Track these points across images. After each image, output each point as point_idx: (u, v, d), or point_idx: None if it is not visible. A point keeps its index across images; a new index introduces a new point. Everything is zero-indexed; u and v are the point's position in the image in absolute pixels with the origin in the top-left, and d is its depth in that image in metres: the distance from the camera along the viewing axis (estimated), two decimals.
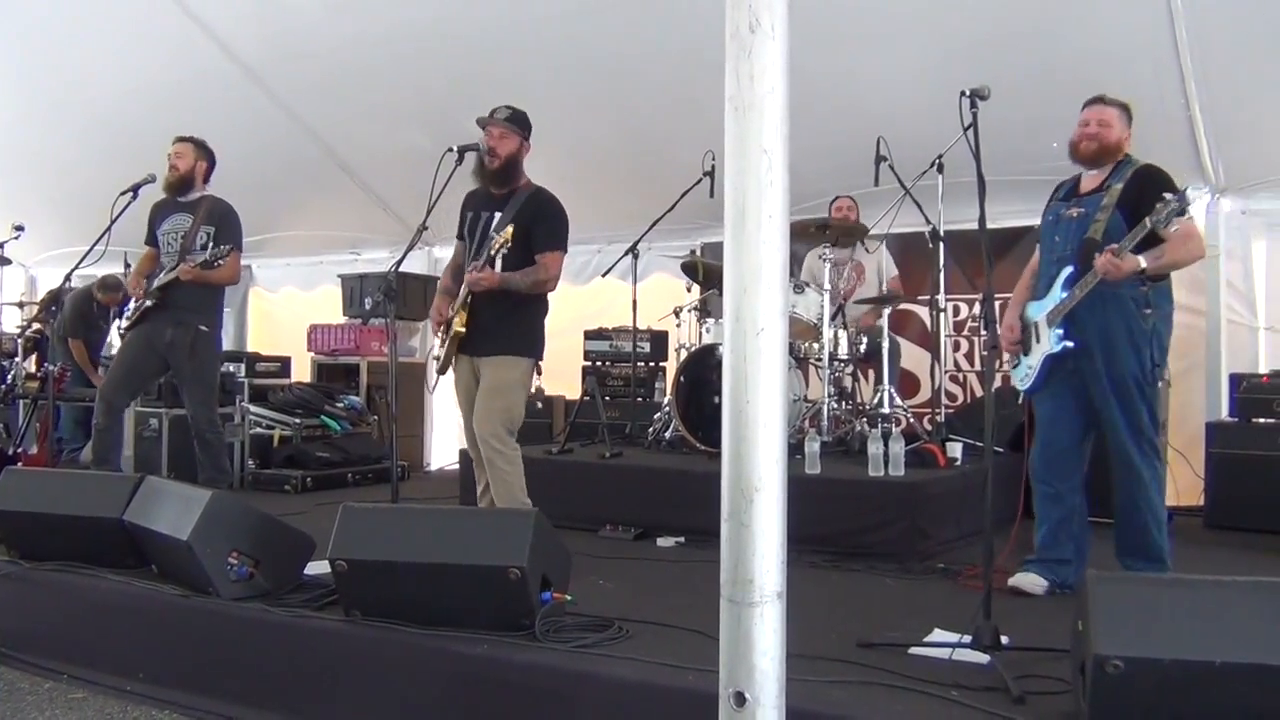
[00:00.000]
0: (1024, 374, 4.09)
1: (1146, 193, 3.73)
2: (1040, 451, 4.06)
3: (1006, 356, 4.21)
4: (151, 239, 5.66)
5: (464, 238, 4.57)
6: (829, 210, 6.43)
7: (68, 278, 6.22)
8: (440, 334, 4.51)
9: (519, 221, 4.31)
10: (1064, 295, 3.84)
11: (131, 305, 5.66)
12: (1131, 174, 3.86)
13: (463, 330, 4.31)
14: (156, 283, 5.44)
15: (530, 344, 4.46)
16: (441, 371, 4.52)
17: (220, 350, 5.94)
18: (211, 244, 5.42)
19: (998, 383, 4.48)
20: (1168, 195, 3.57)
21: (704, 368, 5.80)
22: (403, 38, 6.66)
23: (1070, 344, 3.81)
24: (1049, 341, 3.88)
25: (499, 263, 4.28)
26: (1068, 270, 3.85)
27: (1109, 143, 3.92)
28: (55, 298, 7.43)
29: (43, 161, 8.88)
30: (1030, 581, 3.92)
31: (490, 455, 4.33)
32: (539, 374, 4.58)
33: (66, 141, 8.46)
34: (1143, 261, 3.68)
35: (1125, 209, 3.78)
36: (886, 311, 6.04)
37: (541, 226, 4.30)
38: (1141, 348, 3.83)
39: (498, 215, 4.38)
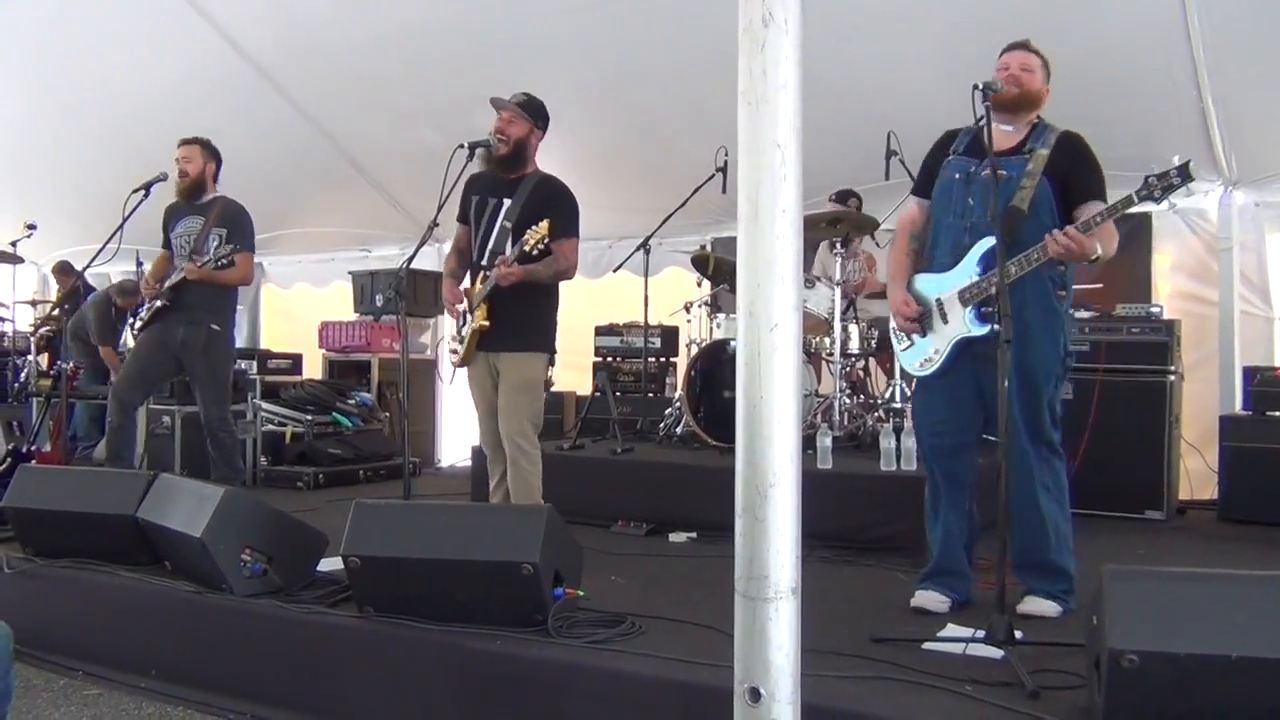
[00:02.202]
0: (922, 357, 3.62)
1: (1078, 164, 3.44)
2: (931, 450, 3.68)
3: (899, 338, 3.74)
4: (167, 242, 5.69)
5: (468, 221, 4.51)
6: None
7: (80, 274, 6.25)
8: (458, 325, 4.47)
9: (531, 207, 4.28)
10: (979, 270, 3.42)
11: (145, 306, 5.69)
12: (1056, 141, 3.47)
13: (486, 324, 4.27)
14: (167, 284, 5.48)
15: (548, 338, 4.46)
16: (462, 365, 4.48)
17: (233, 349, 5.96)
18: (224, 245, 5.45)
19: None
20: (1174, 167, 3.19)
21: (715, 363, 5.80)
22: (413, 35, 6.66)
23: (995, 327, 3.23)
24: (966, 323, 3.46)
25: (509, 250, 4.26)
26: (987, 242, 3.39)
27: (1031, 90, 3.50)
28: (67, 296, 7.46)
29: (54, 160, 8.91)
30: (935, 599, 3.57)
31: (515, 454, 4.31)
32: (552, 365, 4.57)
33: (78, 140, 8.49)
34: (1099, 248, 3.30)
35: (1053, 177, 3.42)
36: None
37: (556, 214, 4.23)
38: (1057, 334, 3.48)
39: (507, 201, 4.35)
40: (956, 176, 3.57)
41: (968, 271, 3.48)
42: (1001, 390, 3.13)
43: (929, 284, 3.63)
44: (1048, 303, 3.48)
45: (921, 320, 3.63)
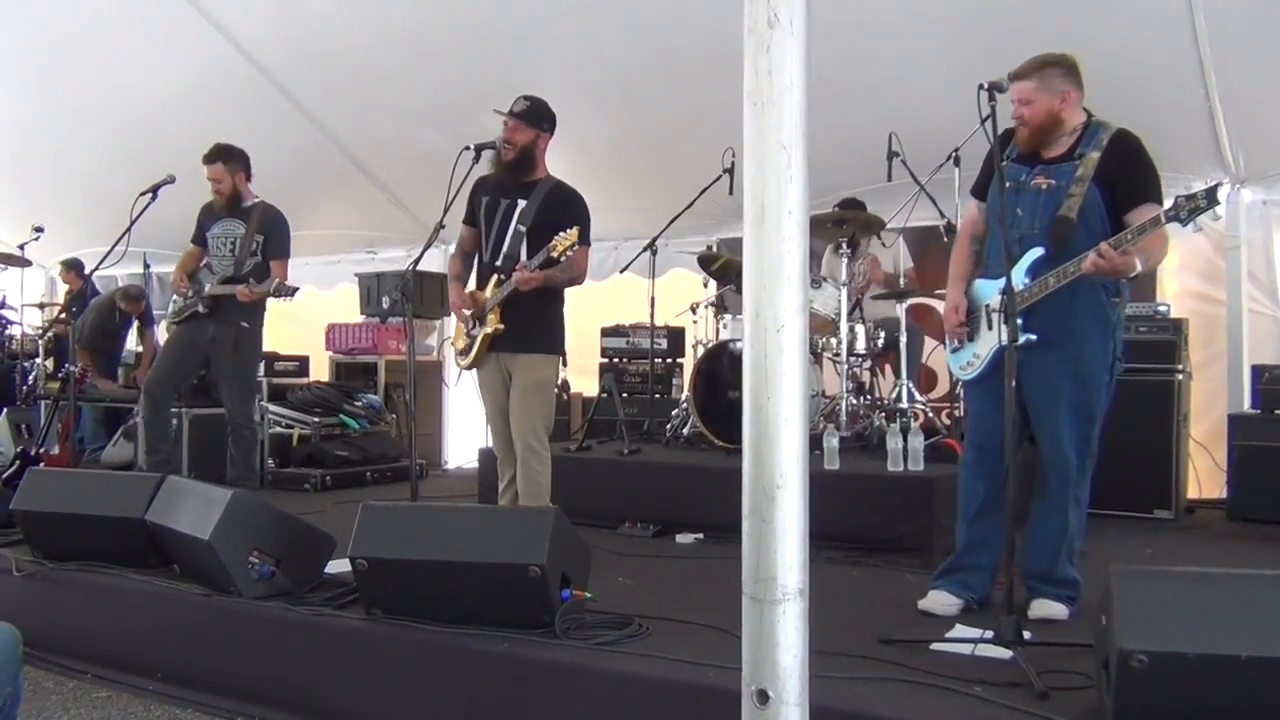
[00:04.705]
0: (966, 362, 3.65)
1: (1127, 167, 3.36)
2: (977, 451, 3.62)
3: (949, 340, 3.76)
4: (199, 239, 5.75)
5: (475, 223, 4.50)
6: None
7: (88, 278, 6.27)
8: (465, 327, 4.47)
9: (545, 213, 4.28)
10: (1028, 281, 3.38)
11: (173, 302, 5.77)
12: (1108, 142, 3.39)
13: (501, 327, 4.27)
14: (209, 290, 5.58)
15: (558, 340, 4.46)
16: (470, 368, 4.48)
17: (260, 347, 6.04)
18: (261, 251, 5.57)
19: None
20: (1197, 190, 3.14)
21: (721, 363, 5.80)
22: (418, 37, 6.67)
23: (1033, 337, 3.30)
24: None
25: (523, 255, 4.26)
26: (1036, 253, 3.39)
27: (1039, 122, 3.44)
28: (74, 299, 7.48)
29: (62, 163, 8.93)
30: (942, 602, 3.55)
31: (525, 455, 4.31)
32: (564, 365, 4.58)
33: (85, 143, 8.52)
34: (1139, 264, 3.24)
35: (1102, 182, 3.35)
36: (904, 305, 5.99)
37: (568, 221, 4.23)
38: (1108, 341, 3.45)
39: (520, 203, 4.34)
40: (1007, 184, 3.46)
41: (1017, 281, 3.38)
42: (1008, 393, 3.14)
43: (984, 289, 3.63)
44: (1100, 310, 3.43)
45: (971, 324, 3.64)
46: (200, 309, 5.59)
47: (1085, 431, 3.45)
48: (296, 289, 5.57)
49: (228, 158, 5.65)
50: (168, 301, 6.01)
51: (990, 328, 3.56)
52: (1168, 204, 3.23)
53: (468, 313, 4.42)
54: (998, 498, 3.50)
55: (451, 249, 8.61)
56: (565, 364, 4.60)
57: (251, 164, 5.81)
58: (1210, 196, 3.14)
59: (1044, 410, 3.46)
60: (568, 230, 4.13)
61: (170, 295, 5.92)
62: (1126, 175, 3.36)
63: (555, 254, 4.12)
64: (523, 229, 4.31)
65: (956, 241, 3.90)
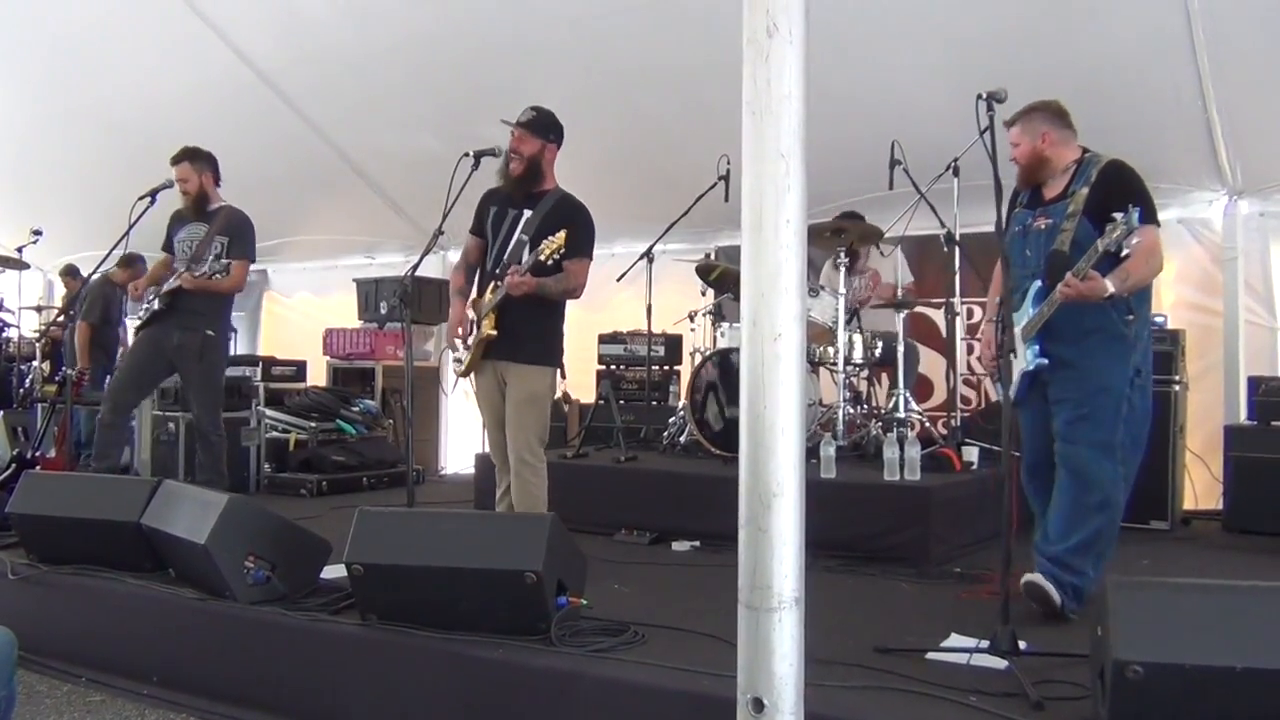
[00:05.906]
0: (1012, 388, 3.88)
1: (1112, 198, 3.50)
2: (1026, 465, 3.90)
3: (992, 369, 4.02)
4: (168, 245, 5.72)
5: (482, 234, 4.50)
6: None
7: (86, 280, 6.26)
8: (462, 342, 4.45)
9: (550, 222, 4.26)
10: (1034, 310, 3.66)
11: (144, 306, 5.72)
12: (1097, 176, 3.63)
13: (494, 333, 4.25)
14: (165, 287, 5.52)
15: (556, 352, 4.44)
16: (464, 374, 4.46)
17: (227, 354, 5.99)
18: (225, 253, 5.49)
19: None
20: (1117, 216, 3.35)
21: (719, 371, 5.80)
22: (416, 43, 6.68)
23: (1044, 361, 3.60)
24: (1025, 358, 3.68)
25: (528, 260, 4.26)
26: (1036, 285, 3.67)
27: (1028, 163, 3.77)
28: (72, 302, 7.47)
29: (61, 166, 8.94)
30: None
31: (519, 467, 4.29)
32: (563, 376, 4.57)
33: (85, 147, 8.52)
34: (1110, 285, 3.44)
35: (1092, 214, 3.56)
36: (901, 315, 6.00)
37: (572, 233, 4.21)
38: (1126, 355, 3.63)
39: (526, 213, 4.34)
40: (1017, 229, 3.81)
41: (1026, 311, 3.70)
42: (1004, 400, 3.22)
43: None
44: (1113, 328, 3.61)
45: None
46: (158, 305, 5.54)
47: (1106, 439, 3.59)
48: (229, 265, 5.43)
49: (194, 158, 5.63)
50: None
51: (1015, 356, 3.71)
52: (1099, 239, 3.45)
53: (462, 332, 4.43)
54: (1043, 504, 3.79)
55: (450, 255, 8.70)
56: (564, 376, 4.57)
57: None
58: (1128, 221, 3.35)
59: (1060, 418, 3.66)
60: (555, 235, 4.13)
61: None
62: (1113, 204, 3.47)
63: (542, 257, 4.11)
64: (525, 238, 4.30)
65: (993, 283, 4.13)
